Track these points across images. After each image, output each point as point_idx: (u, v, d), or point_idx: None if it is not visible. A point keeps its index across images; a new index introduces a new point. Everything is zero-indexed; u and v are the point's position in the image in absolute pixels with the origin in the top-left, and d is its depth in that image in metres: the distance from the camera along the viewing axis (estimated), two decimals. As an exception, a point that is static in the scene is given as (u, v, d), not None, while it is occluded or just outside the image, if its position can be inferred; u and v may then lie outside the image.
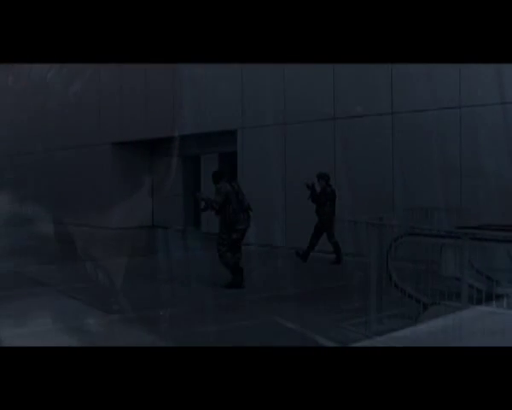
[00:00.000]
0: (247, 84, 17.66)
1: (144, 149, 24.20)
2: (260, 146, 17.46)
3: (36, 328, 8.10)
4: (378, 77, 14.38)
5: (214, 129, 18.98)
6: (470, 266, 7.44)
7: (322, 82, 15.62)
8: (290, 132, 16.52)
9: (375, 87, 14.53)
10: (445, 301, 7.15)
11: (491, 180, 12.35)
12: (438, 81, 13.31)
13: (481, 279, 7.71)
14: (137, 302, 9.91)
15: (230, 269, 11.21)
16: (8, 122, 30.28)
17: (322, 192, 13.80)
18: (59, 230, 23.35)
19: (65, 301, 10.20)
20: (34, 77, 28.51)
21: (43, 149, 27.85)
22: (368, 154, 14.76)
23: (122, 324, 8.54)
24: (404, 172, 13.97)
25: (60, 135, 26.78)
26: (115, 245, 18.60)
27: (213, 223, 20.72)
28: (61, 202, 26.33)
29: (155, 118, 21.50)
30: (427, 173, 13.53)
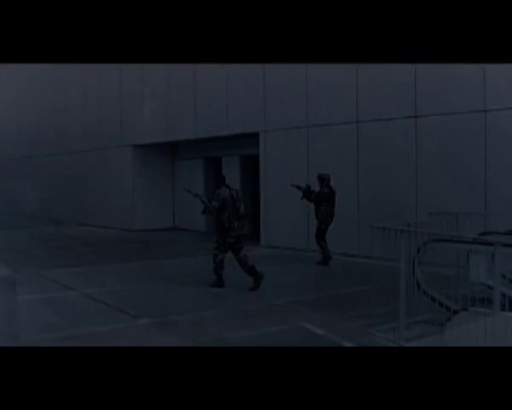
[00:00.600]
0: (270, 87, 17.65)
1: (165, 152, 24.27)
2: (283, 149, 17.46)
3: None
4: (401, 79, 14.34)
5: (236, 131, 18.99)
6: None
7: (345, 84, 15.59)
8: (313, 135, 16.50)
9: (399, 90, 14.46)
10: (473, 307, 7.11)
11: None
12: (463, 84, 13.27)
13: (506, 285, 7.67)
14: (164, 307, 9.97)
15: (216, 274, 11.56)
16: (31, 125, 30.50)
17: (318, 193, 14.22)
18: (82, 232, 23.52)
19: (95, 304, 10.25)
20: (57, 79, 28.71)
21: (67, 152, 28.05)
22: (392, 157, 14.70)
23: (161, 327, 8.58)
24: (429, 175, 13.93)
25: (82, 137, 26.92)
26: (140, 248, 18.67)
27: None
28: (83, 204, 26.49)
29: (177, 120, 21.54)
30: (452, 177, 13.47)
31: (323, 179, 14.14)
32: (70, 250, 17.93)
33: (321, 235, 14.32)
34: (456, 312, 7.50)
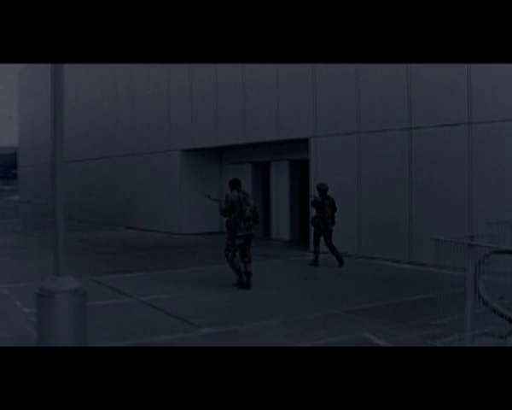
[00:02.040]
0: (320, 93, 17.65)
1: (213, 156, 24.39)
2: (333, 155, 17.44)
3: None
4: (454, 85, 14.23)
5: (286, 137, 19.02)
6: None
7: (397, 90, 15.51)
8: (364, 141, 16.45)
9: (451, 96, 14.34)
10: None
11: None
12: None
13: None
14: (222, 315, 10.02)
15: (236, 271, 12.42)
16: (78, 129, 30.84)
17: (314, 202, 15.45)
18: (130, 235, 23.73)
19: (155, 312, 10.33)
20: (105, 83, 29.03)
21: (114, 156, 28.33)
22: (444, 164, 14.60)
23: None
24: (482, 183, 13.79)
25: (130, 141, 27.17)
26: (189, 252, 18.77)
27: (282, 230, 20.88)
28: (131, 208, 26.73)
29: (225, 125, 21.62)
30: (506, 185, 13.31)
31: (319, 189, 15.30)
32: (121, 255, 18.10)
33: (315, 239, 15.47)
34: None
